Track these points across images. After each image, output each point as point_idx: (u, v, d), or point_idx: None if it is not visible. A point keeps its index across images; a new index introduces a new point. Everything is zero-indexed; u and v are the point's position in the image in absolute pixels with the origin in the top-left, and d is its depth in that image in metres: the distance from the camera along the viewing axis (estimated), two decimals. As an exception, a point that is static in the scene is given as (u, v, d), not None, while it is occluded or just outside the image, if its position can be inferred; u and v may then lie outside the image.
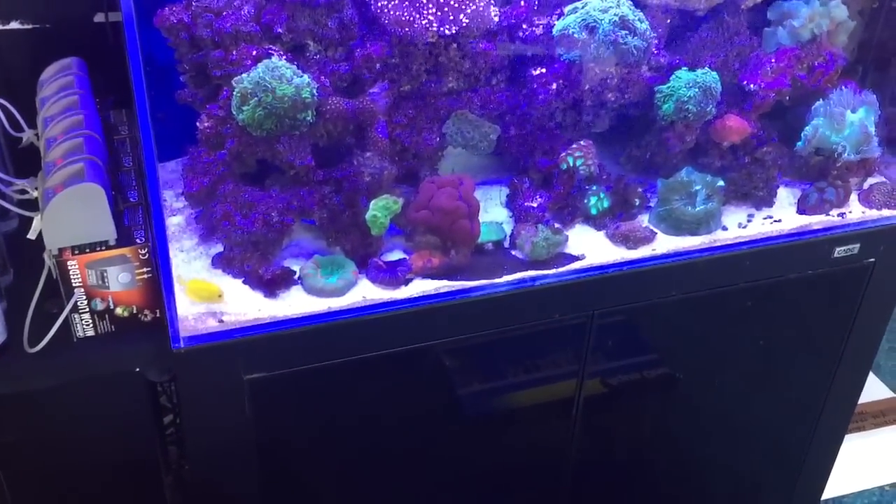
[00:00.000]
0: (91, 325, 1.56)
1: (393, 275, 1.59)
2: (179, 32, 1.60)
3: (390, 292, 1.59)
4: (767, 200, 1.83)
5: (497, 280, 1.64)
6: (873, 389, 2.75)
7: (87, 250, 1.50)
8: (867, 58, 1.96)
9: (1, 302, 1.59)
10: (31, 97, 1.87)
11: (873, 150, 1.79)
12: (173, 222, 1.69)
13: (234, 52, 1.57)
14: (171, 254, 1.61)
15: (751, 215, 1.82)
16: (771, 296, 1.87)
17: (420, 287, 1.61)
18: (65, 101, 1.71)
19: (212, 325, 1.48)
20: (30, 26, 1.98)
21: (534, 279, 1.66)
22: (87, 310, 1.54)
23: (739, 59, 1.83)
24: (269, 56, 1.57)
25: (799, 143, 1.80)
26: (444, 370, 1.71)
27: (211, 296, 1.52)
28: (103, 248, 1.51)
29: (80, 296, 1.52)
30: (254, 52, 1.57)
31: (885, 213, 1.84)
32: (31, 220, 1.58)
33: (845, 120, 1.76)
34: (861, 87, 1.91)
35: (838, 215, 1.83)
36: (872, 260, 1.88)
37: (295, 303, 1.54)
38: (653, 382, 1.93)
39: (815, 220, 1.81)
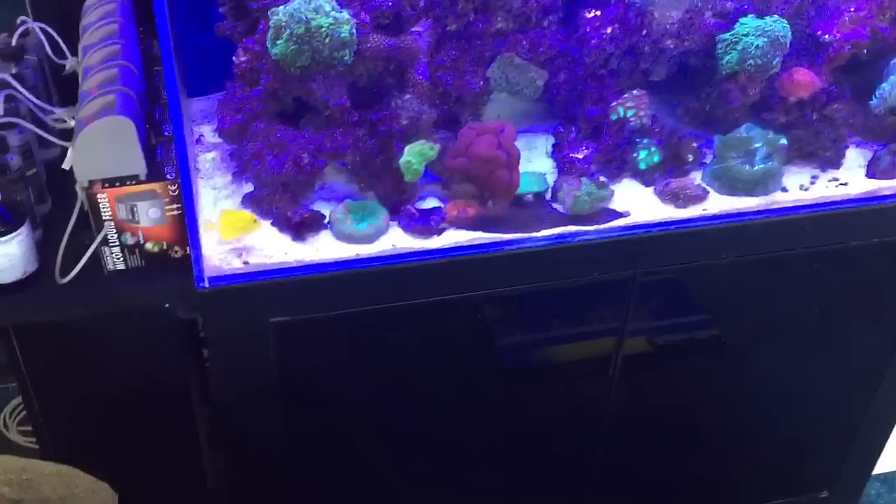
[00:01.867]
0: (122, 259, 1.56)
1: (425, 223, 1.53)
2: (217, -38, 1.55)
3: (422, 241, 1.53)
4: (835, 161, 1.70)
5: (535, 234, 1.57)
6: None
7: (118, 184, 1.48)
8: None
9: (36, 231, 1.60)
10: (77, 23, 1.85)
11: (958, 112, 1.64)
12: (207, 158, 1.66)
13: (270, -15, 1.52)
14: (203, 191, 1.60)
15: (815, 177, 1.70)
16: (832, 263, 1.75)
17: (453, 237, 1.55)
18: (105, 29, 1.68)
19: (237, 265, 1.45)
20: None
21: (574, 235, 1.59)
22: (118, 244, 1.54)
23: (815, 6, 1.68)
24: (308, -12, 1.50)
25: (873, 101, 1.65)
26: (476, 324, 1.66)
27: (246, 225, 1.49)
28: (133, 182, 1.49)
29: (109, 229, 1.51)
30: (291, -15, 1.51)
31: (967, 181, 1.70)
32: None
33: (928, 78, 1.61)
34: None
35: (912, 181, 1.69)
36: (950, 231, 1.74)
37: (323, 248, 1.50)
38: (698, 345, 1.85)
39: (886, 186, 1.68)
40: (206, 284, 1.45)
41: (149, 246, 1.55)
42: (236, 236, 1.47)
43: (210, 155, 1.67)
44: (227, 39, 1.64)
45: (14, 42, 1.70)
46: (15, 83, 1.59)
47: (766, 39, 1.55)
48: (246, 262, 1.46)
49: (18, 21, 1.76)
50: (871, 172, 1.69)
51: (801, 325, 1.86)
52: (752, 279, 1.76)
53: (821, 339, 1.90)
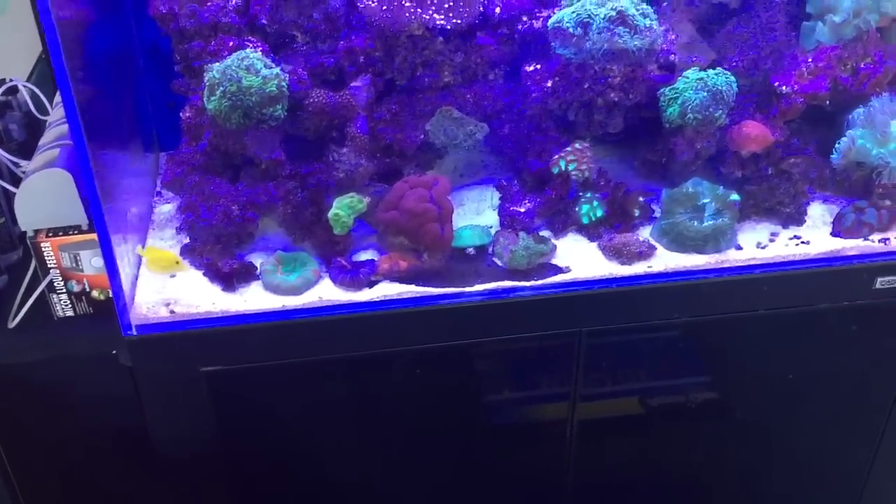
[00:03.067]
0: (70, 306, 1.62)
1: (355, 276, 1.53)
2: (168, 22, 1.62)
3: (352, 294, 1.53)
4: (796, 218, 1.62)
5: (468, 289, 1.55)
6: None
7: (61, 233, 1.55)
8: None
9: (1, 277, 1.68)
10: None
11: (927, 167, 1.53)
12: (163, 210, 1.71)
13: (212, 43, 1.57)
14: (151, 241, 1.65)
15: (774, 234, 1.61)
16: (798, 327, 1.65)
17: (385, 290, 1.54)
18: (74, 87, 1.77)
19: (164, 314, 1.49)
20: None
21: (510, 290, 1.55)
22: (65, 291, 1.60)
23: (773, 58, 1.62)
24: (245, 47, 1.55)
25: (833, 156, 1.57)
26: (413, 379, 1.63)
27: (168, 263, 1.52)
28: (76, 231, 1.55)
29: (55, 277, 1.57)
30: (231, 44, 1.56)
31: (943, 240, 1.58)
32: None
33: (890, 131, 1.52)
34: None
35: (880, 241, 1.58)
36: (928, 294, 1.62)
37: (251, 298, 1.52)
38: (657, 410, 1.76)
39: (851, 245, 1.58)
40: (134, 333, 1.48)
41: (95, 293, 1.61)
42: (158, 272, 1.51)
43: (166, 207, 1.72)
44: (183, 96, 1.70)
45: (-1, 98, 1.82)
46: (-14, 138, 1.70)
47: (705, 94, 1.50)
48: (172, 312, 1.49)
49: (7, 79, 1.88)
50: (836, 230, 1.60)
51: (772, 392, 1.75)
52: (712, 341, 1.68)
53: (795, 410, 1.78)
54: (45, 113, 1.92)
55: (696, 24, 1.66)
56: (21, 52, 2.07)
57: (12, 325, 1.59)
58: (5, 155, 1.72)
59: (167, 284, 1.53)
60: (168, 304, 1.49)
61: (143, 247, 1.56)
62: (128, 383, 1.68)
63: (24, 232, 1.56)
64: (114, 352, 1.62)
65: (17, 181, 1.74)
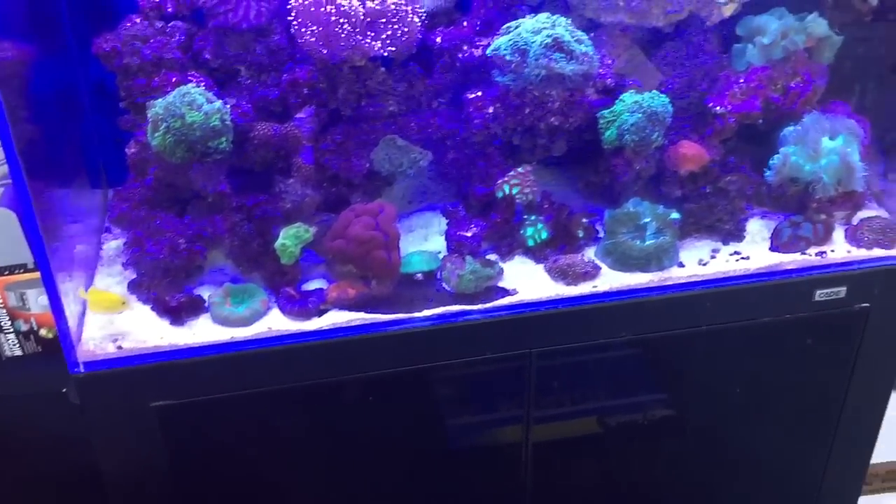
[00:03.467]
0: (18, 346, 1.61)
1: (303, 305, 1.54)
2: (112, 60, 1.63)
3: (301, 323, 1.54)
4: (736, 235, 1.65)
5: (417, 314, 1.56)
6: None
7: (6, 272, 1.54)
8: (867, 76, 1.74)
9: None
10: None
11: (858, 181, 1.58)
12: (111, 246, 1.71)
13: (156, 79, 1.59)
14: (99, 278, 1.64)
15: (715, 251, 1.65)
16: (742, 341, 1.68)
17: (335, 319, 1.55)
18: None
19: (111, 350, 1.48)
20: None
21: (459, 314, 1.57)
22: (12, 330, 1.59)
23: (707, 80, 1.67)
24: (187, 82, 1.57)
25: (767, 173, 1.61)
26: (365, 406, 1.64)
27: (113, 305, 1.52)
28: (21, 270, 1.55)
29: (2, 316, 1.57)
30: (173, 79, 1.58)
31: (877, 252, 1.63)
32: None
33: (821, 148, 1.57)
34: (860, 109, 1.71)
35: (817, 254, 1.62)
36: (867, 305, 1.66)
37: (200, 331, 1.52)
38: (610, 429, 1.78)
39: (789, 259, 1.62)
40: (81, 370, 1.48)
41: (43, 332, 1.60)
42: (102, 313, 1.51)
43: (114, 243, 1.72)
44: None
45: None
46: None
47: (641, 115, 1.54)
48: (120, 347, 1.48)
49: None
50: (774, 245, 1.64)
51: (722, 407, 1.78)
52: (661, 358, 1.71)
53: (744, 424, 1.81)
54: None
55: (625, 49, 1.71)
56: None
57: (-42, 366, 1.58)
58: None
59: (114, 320, 1.53)
60: (115, 340, 1.49)
61: (86, 289, 1.55)
62: (79, 422, 1.67)
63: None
64: (63, 390, 1.61)
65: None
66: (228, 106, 1.54)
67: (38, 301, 1.56)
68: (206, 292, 1.58)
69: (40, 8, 1.60)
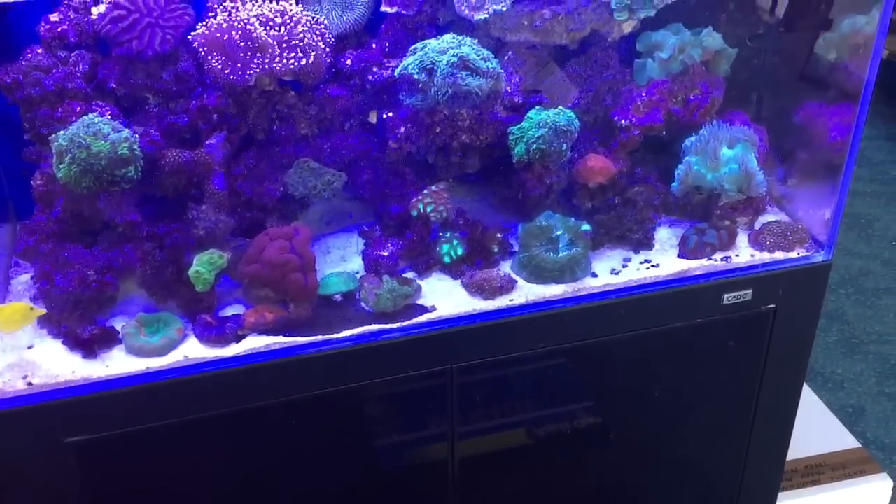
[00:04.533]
0: (-77, 387, 1.55)
1: (220, 332, 1.53)
2: (15, 92, 1.60)
3: (218, 350, 1.53)
4: (645, 243, 1.70)
5: (336, 335, 1.57)
6: (838, 438, 2.52)
7: None
8: (763, 86, 1.82)
9: None
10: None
11: (758, 187, 1.64)
12: (21, 281, 1.67)
13: (59, 110, 1.56)
14: (7, 313, 1.60)
15: (626, 260, 1.70)
16: (657, 346, 1.73)
17: (253, 344, 1.54)
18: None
19: (21, 387, 1.45)
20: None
21: (378, 333, 1.58)
22: (-84, 371, 1.53)
23: (612, 94, 1.72)
24: (92, 112, 1.55)
25: (673, 184, 1.67)
26: (288, 431, 1.63)
27: (22, 315, 1.47)
28: (-77, 308, 1.50)
29: None
30: (77, 109, 1.56)
31: (779, 255, 1.69)
32: None
33: (720, 156, 1.63)
34: (757, 118, 1.78)
35: (722, 259, 1.68)
36: (772, 306, 1.72)
37: (114, 364, 1.49)
38: (535, 440, 1.81)
39: (696, 265, 1.67)
40: (-10, 408, 1.44)
41: (-51, 371, 1.55)
42: (14, 329, 1.47)
43: (24, 277, 1.68)
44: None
45: None
46: None
47: (547, 130, 1.58)
48: (30, 384, 1.45)
49: None
50: (682, 252, 1.69)
51: (642, 412, 1.83)
52: (579, 368, 1.74)
53: (665, 428, 1.86)
54: None
55: (540, 66, 1.75)
56: None
57: None
58: None
59: (23, 356, 1.49)
60: (25, 377, 1.45)
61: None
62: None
63: None
64: (-27, 431, 1.56)
65: None
66: (136, 135, 1.53)
67: (-58, 340, 1.51)
68: (119, 323, 1.56)
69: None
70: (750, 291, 1.69)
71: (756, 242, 1.70)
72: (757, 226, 1.73)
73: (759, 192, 1.66)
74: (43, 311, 1.50)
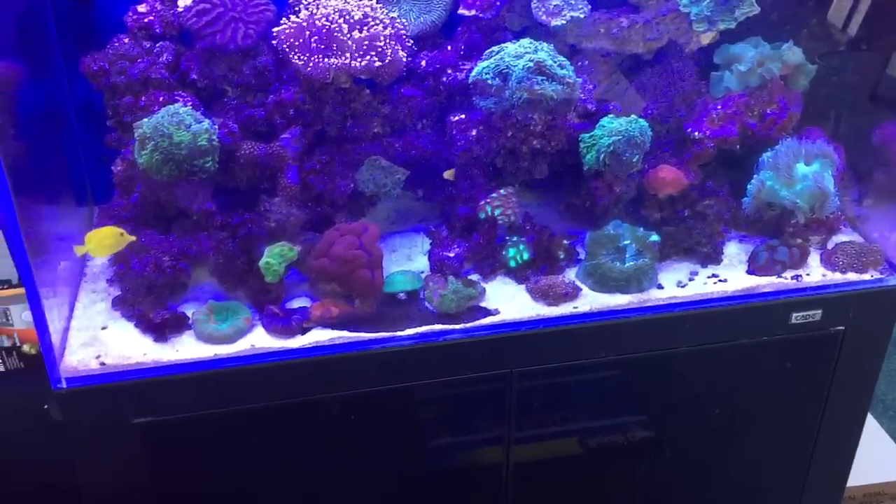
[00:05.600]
0: (0, 362, 1.61)
1: (287, 323, 1.55)
2: (100, 79, 1.64)
3: (284, 341, 1.55)
4: (714, 257, 1.68)
5: (399, 333, 1.58)
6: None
7: (-10, 288, 1.55)
8: (843, 104, 1.78)
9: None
10: None
11: (831, 206, 1.61)
12: (96, 263, 1.72)
13: (143, 98, 1.61)
14: (83, 294, 1.65)
15: (694, 273, 1.68)
16: (720, 362, 1.71)
17: (317, 337, 1.56)
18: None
19: (94, 366, 1.49)
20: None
21: (441, 333, 1.59)
22: (-6, 346, 1.59)
23: (685, 106, 1.71)
24: (175, 102, 1.59)
25: (745, 198, 1.65)
26: (347, 425, 1.65)
27: (113, 239, 1.50)
28: (6, 286, 1.55)
29: (-16, 332, 1.57)
30: (161, 98, 1.60)
31: (851, 276, 1.66)
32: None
33: (795, 173, 1.60)
34: (833, 136, 1.75)
35: (793, 277, 1.65)
36: (841, 328, 1.69)
37: (183, 348, 1.53)
38: (590, 449, 1.79)
39: (765, 282, 1.65)
40: (64, 385, 1.48)
41: (26, 348, 1.61)
42: (107, 254, 1.53)
43: (99, 260, 1.73)
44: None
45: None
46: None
47: (619, 138, 1.57)
48: (103, 363, 1.49)
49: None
50: (751, 269, 1.67)
51: (701, 427, 1.81)
52: (640, 378, 1.73)
53: (725, 445, 1.83)
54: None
55: (612, 74, 1.74)
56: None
57: (-61, 381, 1.58)
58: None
59: (98, 336, 1.54)
60: (98, 357, 1.50)
61: (81, 244, 1.52)
62: (60, 440, 1.67)
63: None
64: (45, 406, 1.61)
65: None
66: (216, 126, 1.57)
67: (21, 317, 1.56)
68: (189, 310, 1.59)
69: (29, 26, 1.62)
70: (819, 312, 1.66)
71: (828, 262, 1.67)
72: (830, 245, 1.70)
73: (832, 212, 1.63)
74: (133, 237, 1.52)
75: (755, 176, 1.63)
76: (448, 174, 1.66)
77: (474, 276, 1.67)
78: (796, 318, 1.66)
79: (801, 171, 1.60)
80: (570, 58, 1.69)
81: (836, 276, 1.66)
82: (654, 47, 1.67)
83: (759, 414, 1.80)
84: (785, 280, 1.65)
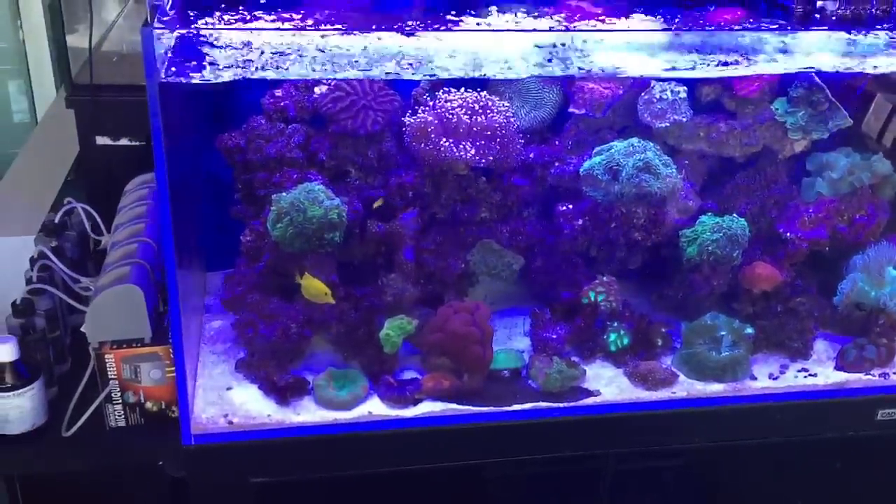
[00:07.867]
0: (123, 416, 1.68)
1: (401, 393, 1.63)
2: (235, 155, 1.77)
3: (398, 410, 1.63)
4: (803, 352, 1.77)
5: (507, 408, 1.65)
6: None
7: (124, 346, 1.64)
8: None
9: (52, 388, 1.74)
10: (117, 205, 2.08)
11: (918, 308, 1.71)
12: (214, 326, 1.82)
13: (277, 175, 1.73)
14: (204, 355, 1.74)
15: (784, 366, 1.76)
16: (808, 454, 1.77)
17: (429, 408, 1.64)
18: (135, 210, 1.90)
19: (223, 424, 1.57)
20: (136, 143, 2.21)
21: (545, 411, 1.66)
22: (120, 401, 1.67)
23: (777, 208, 1.82)
24: (308, 180, 1.71)
25: (836, 297, 1.74)
26: (452, 495, 1.71)
27: (319, 293, 1.63)
28: (138, 344, 1.64)
29: (114, 387, 1.65)
30: (294, 176, 1.72)
31: (937, 376, 1.74)
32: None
33: (886, 275, 1.70)
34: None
35: (880, 375, 1.73)
36: (925, 426, 1.76)
37: (304, 412, 1.61)
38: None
39: (854, 378, 1.73)
40: (192, 442, 1.55)
41: (149, 405, 1.68)
42: (312, 299, 1.64)
43: (216, 323, 1.83)
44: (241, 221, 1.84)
45: (57, 219, 1.93)
46: (50, 255, 1.80)
47: (721, 235, 1.68)
48: (230, 423, 1.57)
49: (65, 201, 2.00)
50: (840, 365, 1.75)
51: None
52: (729, 466, 1.79)
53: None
54: (99, 233, 2.03)
55: (707, 175, 1.87)
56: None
57: (67, 434, 1.65)
58: (67, 271, 1.82)
59: (223, 396, 1.62)
60: (226, 415, 1.58)
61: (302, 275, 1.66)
62: (171, 495, 1.73)
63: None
64: (160, 463, 1.68)
65: (73, 296, 1.84)
66: (344, 204, 1.68)
67: (150, 374, 1.64)
68: (307, 375, 1.68)
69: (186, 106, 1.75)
70: (905, 409, 1.73)
71: (914, 362, 1.75)
72: (917, 346, 1.79)
73: (919, 314, 1.72)
74: (333, 301, 1.64)
75: (847, 276, 1.73)
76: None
77: (574, 358, 1.76)
78: (883, 414, 1.73)
79: (892, 274, 1.70)
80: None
81: (922, 376, 1.74)
82: (749, 152, 1.80)
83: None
84: (872, 377, 1.73)
